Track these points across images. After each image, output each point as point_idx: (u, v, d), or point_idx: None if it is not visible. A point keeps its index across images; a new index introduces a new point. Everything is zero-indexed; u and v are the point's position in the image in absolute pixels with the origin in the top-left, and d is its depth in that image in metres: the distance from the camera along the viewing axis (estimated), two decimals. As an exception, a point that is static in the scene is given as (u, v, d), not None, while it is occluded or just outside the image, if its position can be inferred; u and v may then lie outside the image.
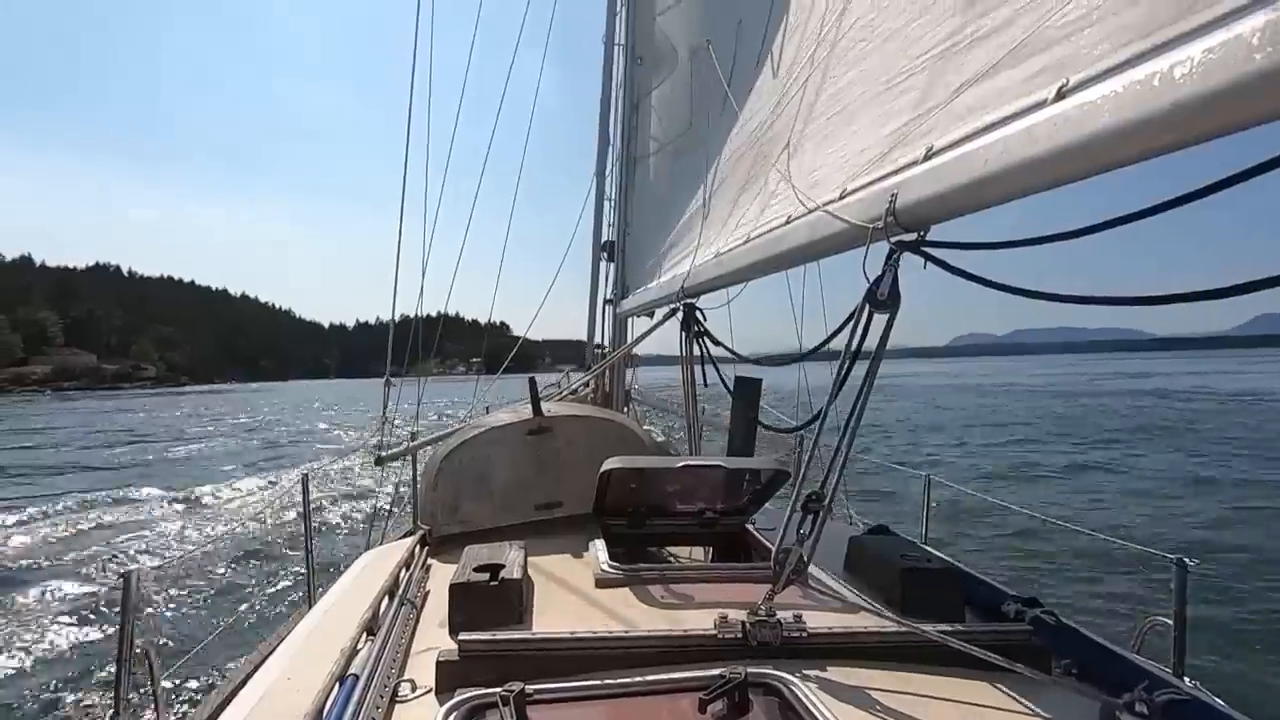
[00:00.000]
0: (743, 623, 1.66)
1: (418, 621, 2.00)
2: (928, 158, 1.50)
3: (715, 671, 1.45)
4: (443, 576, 2.18)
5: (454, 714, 1.35)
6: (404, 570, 2.39)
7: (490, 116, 6.81)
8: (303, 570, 4.30)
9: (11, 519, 11.83)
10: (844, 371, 1.76)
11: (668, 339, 3.78)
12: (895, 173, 1.64)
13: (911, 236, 1.54)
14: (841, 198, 1.89)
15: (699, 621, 1.72)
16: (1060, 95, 1.14)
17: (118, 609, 2.22)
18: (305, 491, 4.07)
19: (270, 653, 2.08)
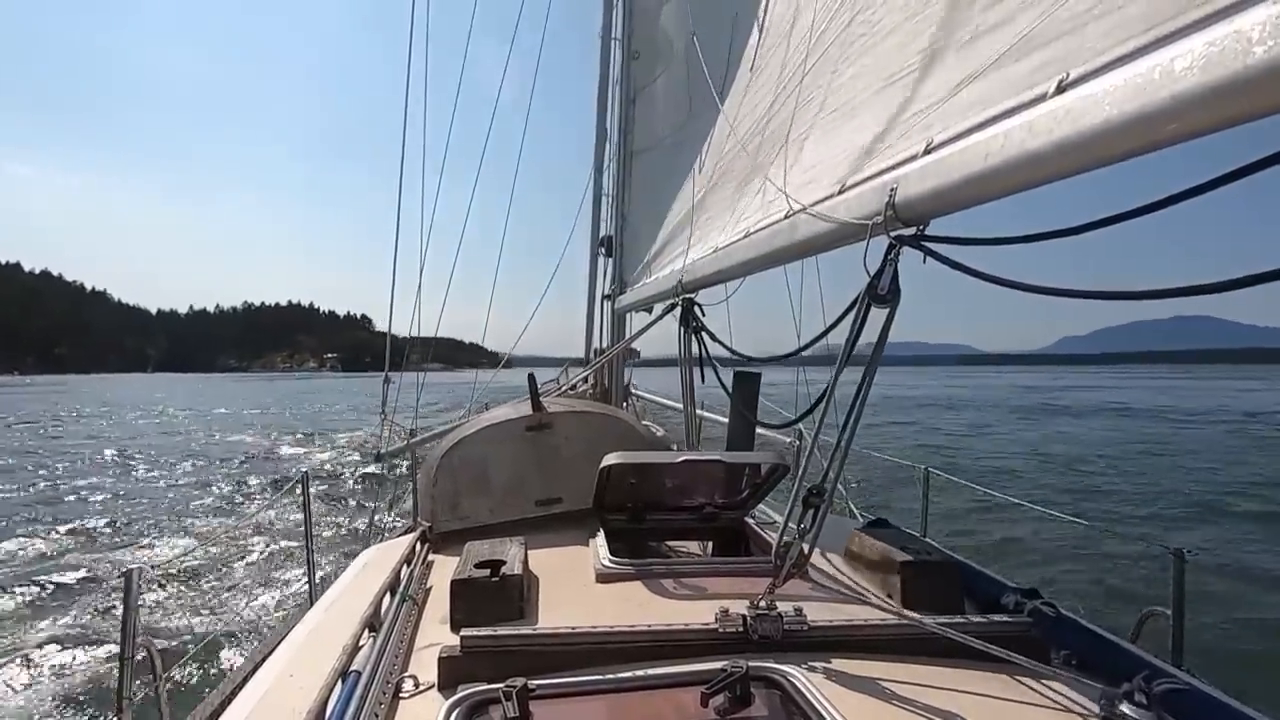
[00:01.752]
0: (744, 616, 1.66)
1: (420, 618, 2.00)
2: (928, 152, 1.49)
3: (717, 665, 1.45)
4: (444, 573, 2.18)
5: (457, 710, 1.36)
6: (405, 567, 2.39)
7: (445, 108, 6.64)
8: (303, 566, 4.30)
9: None
10: (842, 364, 1.77)
11: (666, 339, 3.78)
12: (895, 167, 1.64)
13: (911, 231, 1.54)
14: (841, 192, 1.88)
15: (700, 615, 1.72)
16: (1060, 89, 1.14)
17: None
18: (305, 490, 4.06)
19: (272, 650, 2.08)
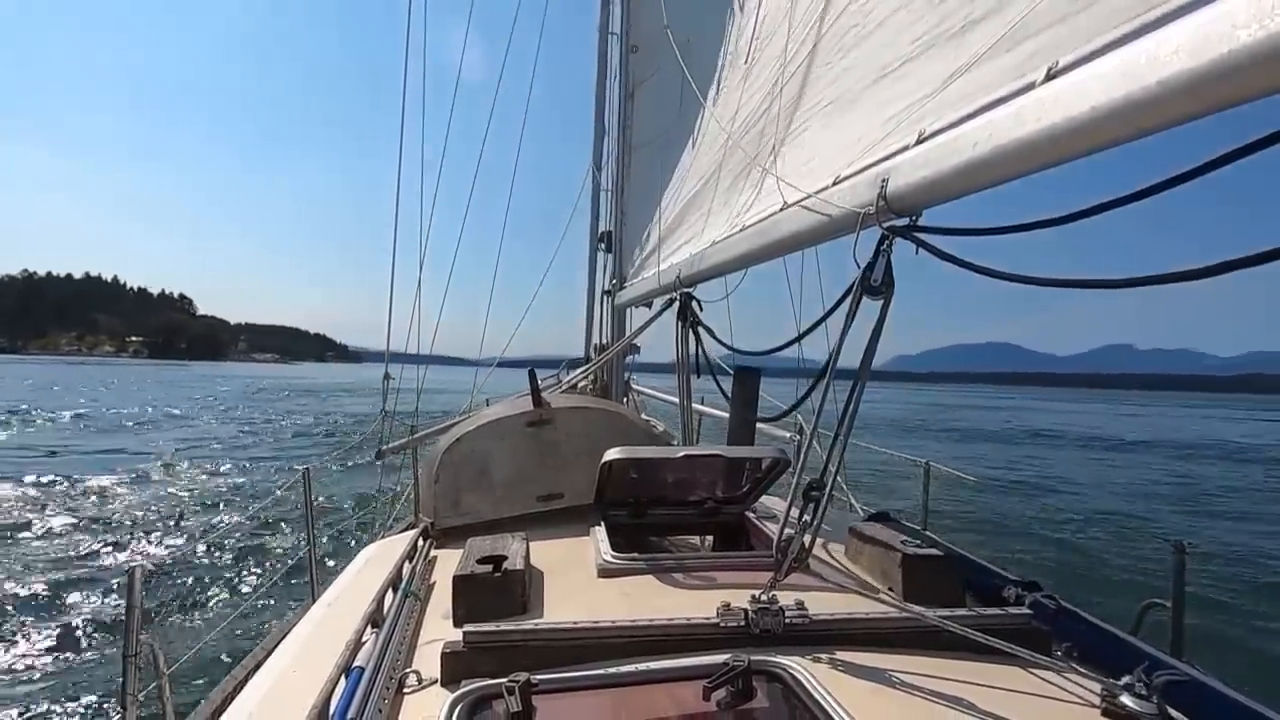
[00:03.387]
0: (745, 610, 1.66)
1: (422, 614, 2.01)
2: (919, 142, 1.49)
3: (719, 659, 1.45)
4: (446, 568, 2.19)
5: (460, 705, 1.36)
6: (407, 563, 2.39)
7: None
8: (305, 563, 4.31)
9: None
10: (836, 355, 1.77)
11: (664, 344, 3.84)
12: (887, 158, 1.64)
13: (903, 222, 1.54)
14: (835, 184, 1.88)
15: (702, 610, 1.72)
16: (1050, 77, 1.13)
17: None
18: (307, 487, 4.07)
19: (275, 646, 2.09)
